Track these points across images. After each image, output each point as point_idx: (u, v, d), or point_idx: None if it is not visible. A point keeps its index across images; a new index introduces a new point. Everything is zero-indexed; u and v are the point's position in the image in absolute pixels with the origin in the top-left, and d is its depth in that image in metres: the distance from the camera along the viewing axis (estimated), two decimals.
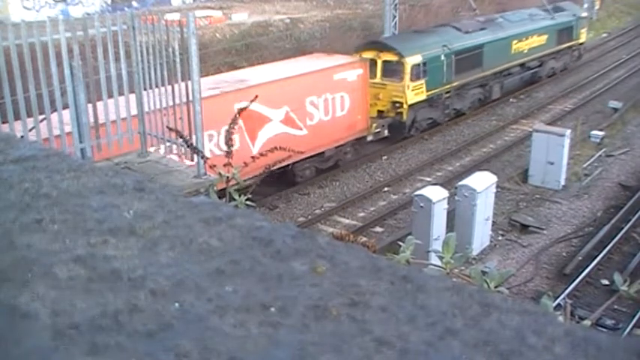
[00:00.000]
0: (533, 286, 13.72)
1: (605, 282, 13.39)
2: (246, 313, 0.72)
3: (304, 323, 0.71)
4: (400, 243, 2.08)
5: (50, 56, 6.92)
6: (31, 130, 6.90)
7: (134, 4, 31.77)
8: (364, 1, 34.50)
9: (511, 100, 27.66)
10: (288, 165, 16.03)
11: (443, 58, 20.59)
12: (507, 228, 16.34)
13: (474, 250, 14.52)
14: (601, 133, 22.09)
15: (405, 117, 19.95)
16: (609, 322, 11.94)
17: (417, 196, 14.54)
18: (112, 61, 7.53)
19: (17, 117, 6.77)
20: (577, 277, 13.56)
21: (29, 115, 6.88)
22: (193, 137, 7.49)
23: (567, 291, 12.87)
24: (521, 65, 25.89)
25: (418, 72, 19.87)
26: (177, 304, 0.74)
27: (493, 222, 15.69)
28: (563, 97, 28.21)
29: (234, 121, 2.83)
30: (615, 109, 24.96)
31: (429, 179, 19.43)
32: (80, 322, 0.70)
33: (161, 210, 0.96)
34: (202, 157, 6.47)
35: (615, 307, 12.42)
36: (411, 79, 19.68)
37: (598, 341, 0.68)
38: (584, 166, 19.80)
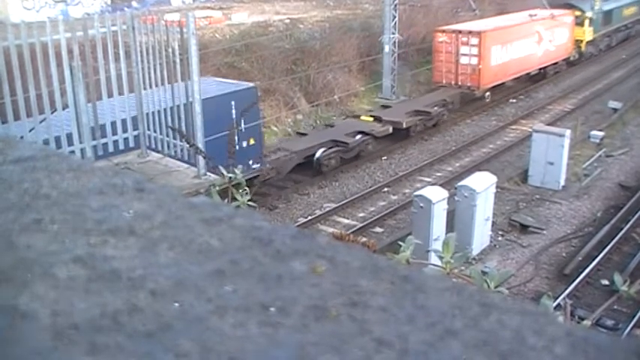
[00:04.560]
0: (533, 286, 13.72)
1: (605, 282, 13.38)
2: (246, 313, 0.72)
3: (304, 323, 0.71)
4: (400, 243, 2.08)
5: (50, 57, 6.92)
6: (31, 130, 6.90)
7: (134, 4, 31.77)
8: (364, 1, 34.49)
9: (511, 100, 27.69)
10: (541, 69, 29.09)
11: (599, 14, 32.74)
12: (507, 228, 16.33)
13: (474, 250, 14.53)
14: (601, 134, 22.09)
15: (583, 49, 32.34)
16: (609, 322, 11.93)
17: (416, 196, 14.54)
18: (112, 61, 7.53)
19: (17, 117, 6.77)
20: (577, 277, 13.55)
21: (29, 115, 6.87)
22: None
23: (567, 291, 12.86)
24: (625, 26, 37.48)
25: (590, 22, 31.92)
26: (176, 304, 0.74)
27: (493, 222, 15.68)
28: (563, 97, 28.22)
29: (234, 127, 2.89)
30: (615, 110, 24.97)
31: (428, 179, 19.43)
32: (80, 322, 0.70)
33: (161, 210, 0.96)
34: (204, 156, 6.47)
35: (615, 307, 12.42)
36: (588, 26, 31.83)
37: (598, 342, 0.68)
38: (584, 166, 19.79)
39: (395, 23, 25.97)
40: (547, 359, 0.65)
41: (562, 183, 18.42)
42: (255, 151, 16.78)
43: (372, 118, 22.15)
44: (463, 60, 24.53)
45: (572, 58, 31.64)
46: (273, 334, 0.69)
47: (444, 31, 25.08)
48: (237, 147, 14.57)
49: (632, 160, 20.73)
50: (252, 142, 16.75)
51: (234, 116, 15.02)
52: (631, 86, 29.34)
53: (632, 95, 27.30)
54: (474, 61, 24.30)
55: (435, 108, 23.44)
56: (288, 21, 28.27)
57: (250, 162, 15.97)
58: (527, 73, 28.09)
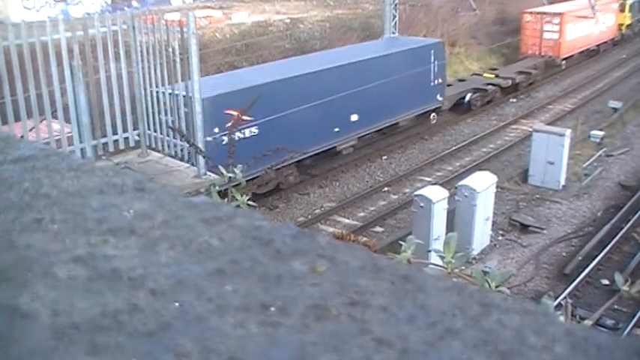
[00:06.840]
0: (534, 286, 13.72)
1: (606, 282, 13.38)
2: (246, 313, 0.72)
3: (304, 323, 0.71)
4: (401, 242, 2.08)
5: (50, 56, 6.92)
6: (31, 130, 6.90)
7: (134, 4, 31.75)
8: (364, 1, 34.48)
9: (511, 100, 27.68)
10: (597, 46, 35.07)
11: (636, 4, 38.74)
12: (507, 228, 16.33)
13: (474, 249, 14.52)
14: (601, 133, 22.08)
15: (624, 31, 38.18)
16: (609, 321, 11.93)
17: (417, 196, 14.54)
18: (112, 61, 7.52)
19: (17, 117, 6.76)
20: (577, 276, 13.54)
21: (29, 115, 6.87)
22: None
23: (567, 291, 12.85)
24: None
25: (629, 9, 38.02)
26: (177, 304, 0.74)
27: (493, 222, 15.67)
28: (563, 97, 28.21)
29: (234, 125, 2.88)
30: (615, 109, 24.95)
31: (429, 179, 19.42)
32: (80, 321, 0.70)
33: (161, 210, 0.96)
34: (204, 156, 6.46)
35: (615, 306, 12.42)
36: (628, 12, 37.98)
37: (598, 341, 0.68)
38: (584, 166, 19.77)
39: (395, 23, 25.93)
40: (547, 359, 0.65)
41: (562, 182, 18.41)
42: (441, 89, 22.92)
43: (492, 75, 28.05)
44: (546, 35, 31.23)
45: (616, 39, 37.73)
46: (274, 333, 0.69)
47: (530, 13, 32.28)
48: (431, 84, 22.35)
49: (632, 160, 20.72)
50: (440, 81, 22.62)
51: (432, 61, 21.98)
52: (631, 86, 29.34)
53: (632, 95, 27.29)
54: (555, 36, 31.33)
55: (531, 71, 29.86)
56: (288, 20, 28.28)
57: (438, 96, 22.79)
58: (588, 49, 34.31)
